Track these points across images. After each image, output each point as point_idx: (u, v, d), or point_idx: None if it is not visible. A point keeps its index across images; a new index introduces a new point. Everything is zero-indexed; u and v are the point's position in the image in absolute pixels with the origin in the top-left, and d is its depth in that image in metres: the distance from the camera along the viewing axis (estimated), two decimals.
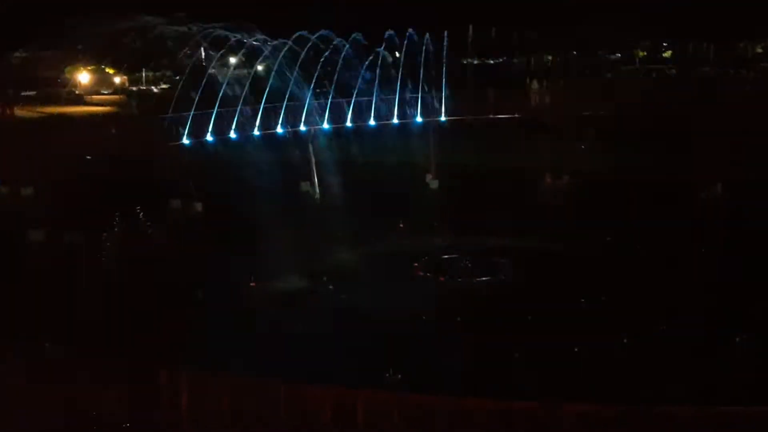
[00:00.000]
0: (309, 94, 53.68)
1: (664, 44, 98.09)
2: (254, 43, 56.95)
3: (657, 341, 19.26)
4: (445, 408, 12.40)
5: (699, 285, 22.65)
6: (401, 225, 30.21)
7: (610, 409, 11.97)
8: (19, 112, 44.70)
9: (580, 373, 17.19)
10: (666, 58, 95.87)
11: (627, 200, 32.13)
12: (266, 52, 56.61)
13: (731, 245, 25.92)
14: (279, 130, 53.63)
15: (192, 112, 49.85)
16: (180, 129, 49.05)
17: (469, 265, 25.43)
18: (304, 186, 37.07)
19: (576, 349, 18.80)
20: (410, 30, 59.80)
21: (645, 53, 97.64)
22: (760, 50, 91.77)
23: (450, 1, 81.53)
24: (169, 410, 13.30)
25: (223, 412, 13.17)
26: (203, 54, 57.57)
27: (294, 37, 55.15)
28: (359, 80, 56.48)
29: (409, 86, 58.84)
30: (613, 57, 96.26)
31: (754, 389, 15.61)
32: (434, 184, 38.04)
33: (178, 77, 55.33)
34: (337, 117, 56.36)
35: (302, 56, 53.76)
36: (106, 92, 69.36)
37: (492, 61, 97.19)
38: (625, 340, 19.21)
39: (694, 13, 78.35)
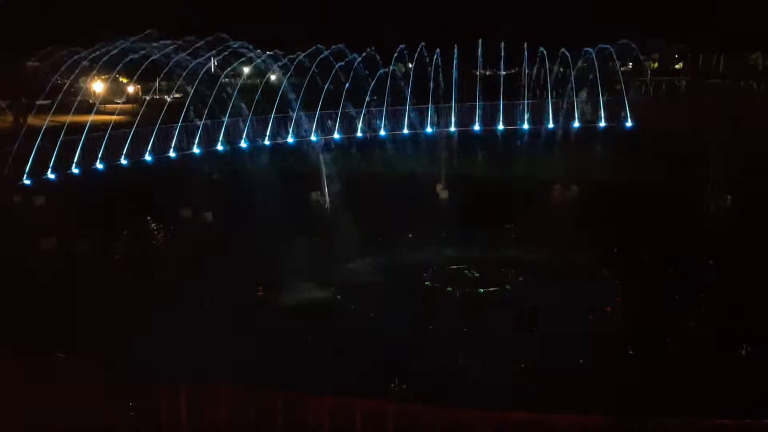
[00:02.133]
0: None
1: (676, 56, 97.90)
2: (268, 54, 57.51)
3: (664, 353, 19.32)
4: (441, 418, 12.49)
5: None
6: (410, 235, 30.28)
7: (600, 420, 12.04)
8: (32, 120, 45.12)
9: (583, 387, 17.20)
10: (677, 69, 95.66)
11: (635, 210, 32.20)
12: (279, 64, 57.17)
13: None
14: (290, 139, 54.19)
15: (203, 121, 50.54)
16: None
17: (477, 275, 25.51)
18: (315, 195, 37.25)
19: (581, 361, 18.88)
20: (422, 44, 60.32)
21: (657, 65, 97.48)
22: None
23: (459, 16, 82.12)
24: (169, 421, 13.38)
25: (222, 422, 13.25)
26: (214, 65, 58.04)
27: (310, 50, 55.80)
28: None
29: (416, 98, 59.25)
30: (624, 68, 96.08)
31: None
32: (444, 194, 38.15)
33: (190, 87, 55.73)
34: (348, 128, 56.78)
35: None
36: (119, 101, 69.94)
37: (504, 73, 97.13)
38: (630, 352, 19.21)
39: (705, 24, 78.32)
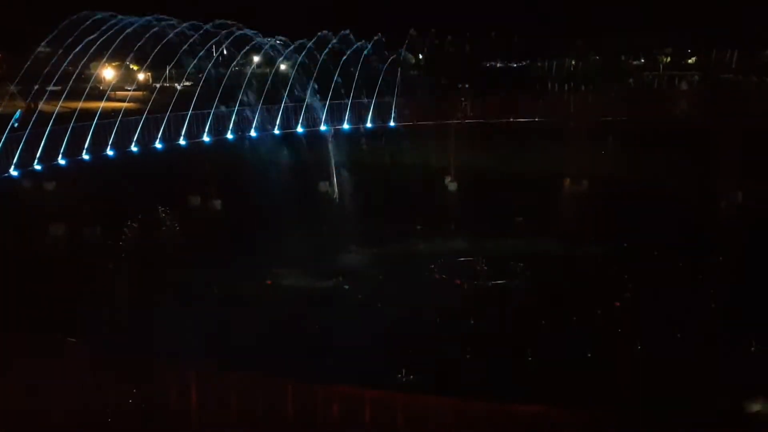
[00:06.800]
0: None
1: (689, 50, 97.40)
2: (277, 42, 57.26)
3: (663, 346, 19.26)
4: (449, 409, 12.50)
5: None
6: (419, 227, 30.21)
7: (601, 413, 12.03)
8: (44, 106, 45.22)
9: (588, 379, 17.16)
10: (690, 64, 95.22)
11: (645, 205, 32.05)
12: (286, 53, 56.98)
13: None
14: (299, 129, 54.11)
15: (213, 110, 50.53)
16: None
17: (485, 267, 25.43)
18: (323, 186, 37.20)
19: (589, 355, 18.84)
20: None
21: (669, 59, 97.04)
22: None
23: (474, 7, 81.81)
24: (177, 406, 13.42)
25: (231, 409, 13.29)
26: (224, 53, 57.82)
27: (315, 38, 55.53)
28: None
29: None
30: (636, 62, 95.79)
31: None
32: (453, 186, 38.05)
33: (201, 75, 55.67)
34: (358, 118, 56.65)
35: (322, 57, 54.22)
36: (130, 88, 69.91)
37: (515, 65, 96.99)
38: (639, 347, 19.16)
39: (719, 19, 77.91)
